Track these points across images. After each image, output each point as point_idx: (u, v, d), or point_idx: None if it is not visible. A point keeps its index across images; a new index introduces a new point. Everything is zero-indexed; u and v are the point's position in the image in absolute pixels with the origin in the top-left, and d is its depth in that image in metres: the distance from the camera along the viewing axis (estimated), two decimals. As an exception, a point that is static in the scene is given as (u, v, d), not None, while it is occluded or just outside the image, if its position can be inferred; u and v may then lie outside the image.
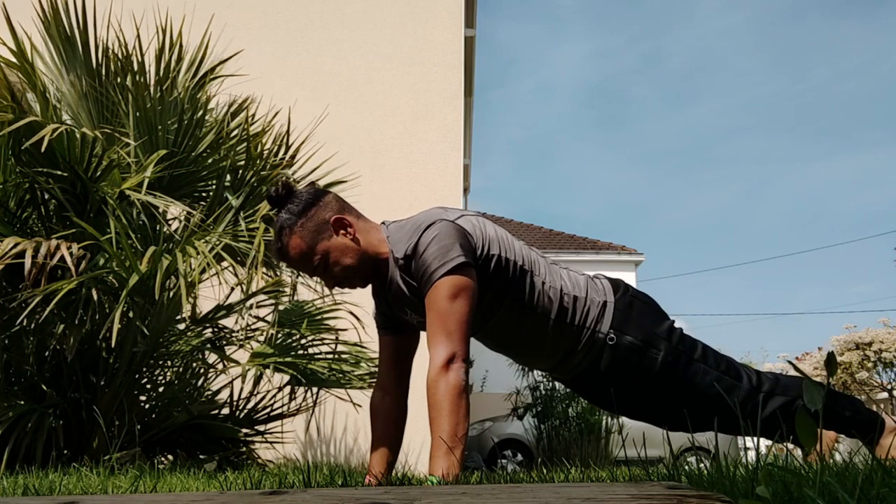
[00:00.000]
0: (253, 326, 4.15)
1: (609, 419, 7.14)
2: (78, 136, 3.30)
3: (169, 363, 3.98)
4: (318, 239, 1.91)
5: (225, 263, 3.50)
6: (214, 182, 3.81)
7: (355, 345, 4.21)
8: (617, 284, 2.10)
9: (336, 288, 2.01)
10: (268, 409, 4.16)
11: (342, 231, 1.93)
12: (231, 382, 4.06)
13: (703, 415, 2.00)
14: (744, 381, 2.01)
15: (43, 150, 3.11)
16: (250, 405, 4.11)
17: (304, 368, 4.00)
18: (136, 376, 3.58)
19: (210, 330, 4.07)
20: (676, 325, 2.08)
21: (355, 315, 4.08)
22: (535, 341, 2.03)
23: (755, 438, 1.72)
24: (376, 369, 3.82)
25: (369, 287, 2.09)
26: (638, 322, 2.02)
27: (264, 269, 3.69)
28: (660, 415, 2.12)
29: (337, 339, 4.18)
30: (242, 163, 3.82)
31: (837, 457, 1.85)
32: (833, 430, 2.06)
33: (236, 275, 3.45)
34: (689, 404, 2.01)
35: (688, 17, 54.25)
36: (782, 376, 2.06)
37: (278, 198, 1.97)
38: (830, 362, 0.98)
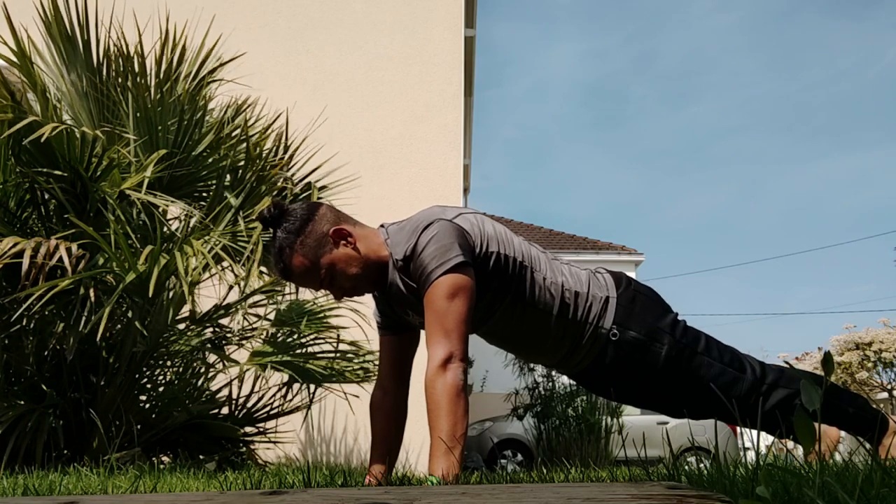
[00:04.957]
0: (253, 325, 4.15)
1: (609, 419, 7.13)
2: (78, 135, 3.30)
3: (169, 363, 3.98)
4: (320, 253, 1.90)
5: (225, 263, 3.50)
6: (214, 182, 3.81)
7: (353, 343, 4.20)
8: (619, 279, 2.09)
9: (345, 297, 1.99)
10: (267, 409, 4.16)
11: (342, 242, 1.91)
12: (231, 382, 4.06)
13: (708, 406, 2.00)
14: (748, 372, 2.01)
15: (42, 146, 3.11)
16: (250, 405, 4.11)
17: (304, 367, 4.00)
18: (136, 376, 3.58)
19: (210, 330, 4.07)
20: (680, 317, 2.08)
21: (357, 312, 4.08)
22: (537, 338, 2.03)
23: (756, 437, 1.71)
24: (376, 363, 3.83)
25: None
26: (641, 317, 2.01)
27: (263, 269, 3.69)
28: (666, 405, 2.13)
29: (338, 337, 4.18)
30: (242, 163, 3.82)
31: (837, 457, 1.85)
32: (836, 426, 2.05)
33: (235, 274, 3.45)
34: (693, 396, 2.01)
35: (683, 17, 54.29)
36: (787, 368, 2.06)
37: (272, 218, 1.94)
38: (827, 362, 0.97)
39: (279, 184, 3.88)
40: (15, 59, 3.50)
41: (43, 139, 3.07)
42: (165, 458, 3.68)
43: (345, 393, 4.23)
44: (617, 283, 2.07)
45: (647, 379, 2.02)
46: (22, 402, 3.25)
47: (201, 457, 3.75)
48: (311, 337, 4.17)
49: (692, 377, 2.00)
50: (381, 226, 2.02)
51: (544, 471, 1.86)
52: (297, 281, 1.97)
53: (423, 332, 1.99)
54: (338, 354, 4.17)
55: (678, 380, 2.01)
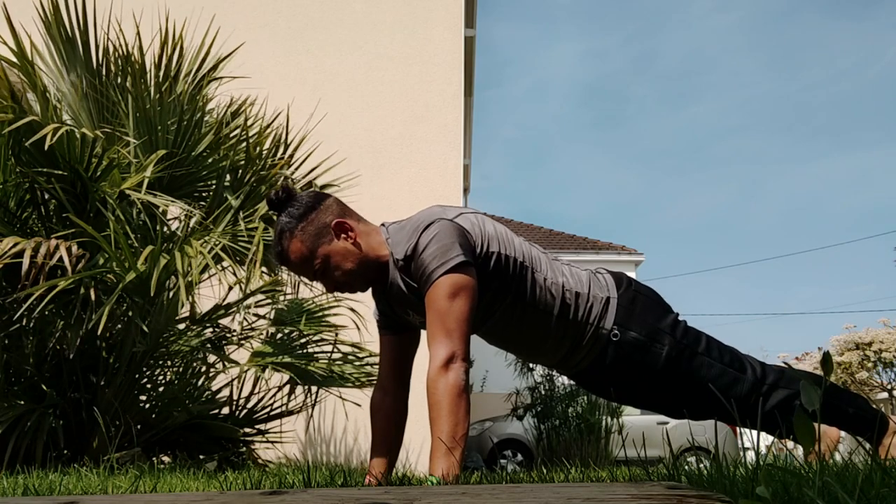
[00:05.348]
0: (253, 325, 4.15)
1: (609, 419, 7.13)
2: (78, 135, 3.31)
3: (169, 363, 3.98)
4: (318, 243, 1.90)
5: (225, 263, 3.50)
6: (214, 182, 3.81)
7: (354, 345, 4.20)
8: (620, 279, 2.09)
9: (336, 292, 2.00)
10: (267, 409, 4.16)
11: (343, 235, 1.92)
12: (231, 382, 4.06)
13: (709, 406, 2.00)
14: (748, 372, 2.00)
15: (45, 148, 3.11)
16: (250, 405, 4.11)
17: (304, 367, 4.00)
18: (136, 376, 3.58)
19: (210, 330, 4.07)
20: (680, 317, 2.08)
21: (355, 311, 4.08)
22: (537, 338, 2.03)
23: (755, 436, 1.71)
24: (376, 368, 3.83)
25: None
26: (641, 317, 2.01)
27: (263, 269, 3.69)
28: (666, 406, 2.13)
29: (336, 336, 4.18)
30: (242, 163, 3.82)
31: (837, 457, 1.85)
32: (836, 427, 2.05)
33: (235, 274, 3.45)
34: (694, 396, 2.01)
35: (683, 17, 54.32)
36: (787, 369, 2.05)
37: (278, 201, 1.95)
38: (826, 362, 0.97)
39: (279, 183, 3.88)
40: (15, 60, 3.50)
41: (46, 147, 3.07)
42: (165, 458, 3.68)
43: (341, 397, 4.22)
44: (617, 284, 2.06)
45: (647, 379, 2.02)
46: (22, 402, 3.25)
47: (201, 457, 3.76)
48: (311, 337, 4.17)
49: (692, 378, 1.99)
50: (382, 224, 2.02)
51: (544, 471, 1.87)
52: (291, 267, 1.96)
53: (423, 332, 1.99)
54: (337, 353, 4.17)
55: (678, 380, 2.01)
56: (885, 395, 15.57)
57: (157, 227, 3.38)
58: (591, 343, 2.02)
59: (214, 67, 4.01)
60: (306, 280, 3.98)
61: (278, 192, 1.96)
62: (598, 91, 53.11)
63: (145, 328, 3.38)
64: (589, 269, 2.12)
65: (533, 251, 2.02)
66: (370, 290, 2.09)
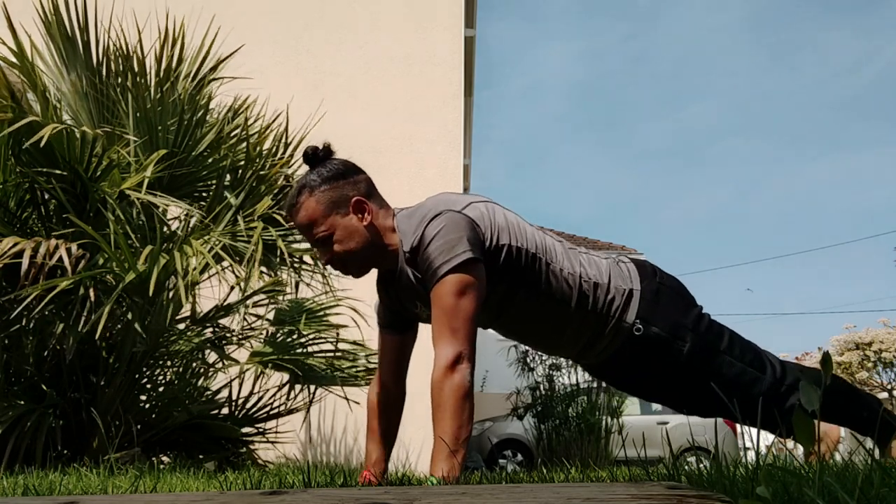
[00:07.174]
0: (252, 325, 4.15)
1: (609, 419, 7.13)
2: (78, 135, 3.30)
3: (169, 363, 3.98)
4: (331, 211, 1.85)
5: (225, 263, 3.50)
6: (214, 182, 3.81)
7: (355, 342, 4.20)
8: (644, 268, 2.01)
9: (328, 265, 1.93)
10: (267, 408, 4.16)
11: (359, 214, 1.87)
12: (230, 382, 4.06)
13: (725, 404, 1.97)
14: (767, 372, 1.96)
15: (42, 146, 3.11)
16: (250, 405, 4.11)
17: (304, 366, 4.00)
18: (136, 376, 3.58)
19: (210, 329, 4.06)
20: (704, 310, 2.02)
21: (356, 311, 4.07)
22: (555, 329, 1.97)
23: (755, 436, 1.71)
24: (376, 366, 3.83)
25: (371, 282, 2.06)
26: (665, 311, 1.95)
27: (263, 269, 3.69)
28: (679, 401, 2.08)
29: (338, 335, 4.17)
30: (242, 163, 3.82)
31: (837, 457, 1.85)
32: (849, 428, 2.03)
33: (235, 274, 3.45)
34: (709, 394, 1.98)
35: (682, 17, 54.31)
36: (807, 368, 2.03)
37: (314, 157, 1.92)
38: (825, 362, 0.97)
39: (279, 182, 3.88)
40: (15, 60, 3.50)
41: (42, 143, 3.06)
42: (165, 458, 3.68)
43: (346, 396, 4.22)
44: (641, 274, 1.98)
45: (665, 375, 1.98)
46: (22, 402, 3.25)
47: (201, 457, 3.76)
48: (311, 336, 4.17)
49: (711, 376, 1.94)
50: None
51: (544, 471, 1.86)
52: (297, 224, 1.90)
53: (421, 326, 1.97)
54: (338, 353, 4.17)
55: (697, 377, 1.96)
56: (885, 395, 15.57)
57: (157, 228, 3.38)
58: (611, 335, 1.96)
59: (215, 67, 4.01)
60: (305, 274, 4.00)
61: (317, 148, 1.93)
62: (596, 91, 53.17)
63: (141, 331, 3.38)
64: (611, 256, 2.05)
65: (547, 240, 1.94)
66: (374, 288, 2.07)
